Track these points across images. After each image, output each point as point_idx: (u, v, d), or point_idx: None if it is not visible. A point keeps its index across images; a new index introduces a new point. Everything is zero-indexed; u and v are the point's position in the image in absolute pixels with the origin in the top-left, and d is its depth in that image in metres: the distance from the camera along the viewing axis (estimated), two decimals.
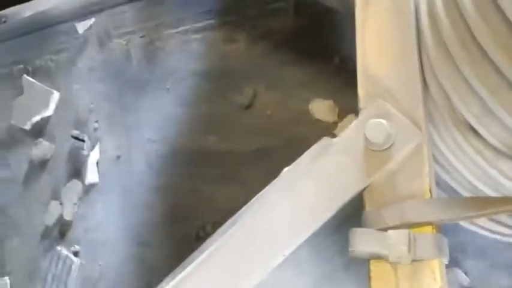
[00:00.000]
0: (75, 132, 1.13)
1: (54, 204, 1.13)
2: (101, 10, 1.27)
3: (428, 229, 0.41)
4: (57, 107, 1.20)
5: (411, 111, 0.47)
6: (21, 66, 1.33)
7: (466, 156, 0.49)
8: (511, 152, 0.44)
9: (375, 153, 0.46)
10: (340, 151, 0.48)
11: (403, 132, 0.46)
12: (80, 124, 1.15)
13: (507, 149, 0.45)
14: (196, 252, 0.51)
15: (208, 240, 0.52)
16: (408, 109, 0.47)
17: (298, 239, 0.47)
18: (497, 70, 0.42)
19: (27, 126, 1.21)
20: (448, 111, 0.48)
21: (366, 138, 0.46)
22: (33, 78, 1.26)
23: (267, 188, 0.51)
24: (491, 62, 0.42)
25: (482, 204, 0.40)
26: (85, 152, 1.11)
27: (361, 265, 0.44)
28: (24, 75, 1.25)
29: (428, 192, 0.43)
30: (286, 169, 0.52)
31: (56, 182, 1.15)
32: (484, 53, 0.43)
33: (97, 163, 1.09)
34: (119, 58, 1.16)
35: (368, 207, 0.45)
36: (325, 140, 0.49)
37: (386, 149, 0.46)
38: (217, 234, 0.51)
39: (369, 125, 0.46)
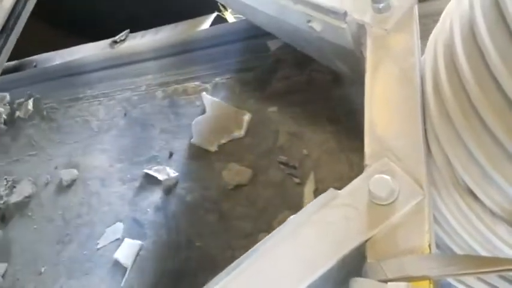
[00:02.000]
0: (283, 158, 1.01)
1: None
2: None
3: (425, 283, 0.43)
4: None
5: (414, 171, 0.50)
6: None
7: (464, 219, 0.51)
8: (508, 216, 0.47)
9: (378, 207, 0.48)
10: (344, 203, 0.50)
11: (406, 189, 0.48)
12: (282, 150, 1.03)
13: (504, 214, 0.47)
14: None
15: (212, 281, 0.52)
16: (411, 169, 0.50)
17: (297, 286, 0.48)
18: (496, 140, 0.46)
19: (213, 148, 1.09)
20: (449, 174, 0.51)
21: (370, 192, 0.49)
22: None
23: (272, 233, 0.53)
24: (491, 132, 0.46)
25: (478, 263, 0.42)
26: (297, 181, 0.98)
27: None
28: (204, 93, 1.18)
29: (428, 248, 0.45)
30: (292, 217, 0.54)
31: None
32: (484, 124, 0.46)
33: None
34: None
35: (369, 259, 0.46)
36: (330, 192, 0.52)
37: (389, 203, 0.48)
38: (219, 277, 0.52)
39: (373, 180, 0.49)
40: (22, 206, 1.28)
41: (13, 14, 1.49)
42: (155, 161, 1.16)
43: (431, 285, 0.43)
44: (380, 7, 0.65)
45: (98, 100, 1.36)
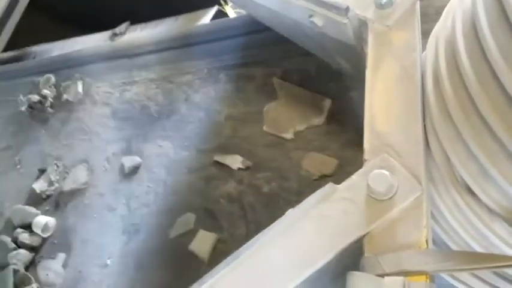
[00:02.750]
0: None
1: None
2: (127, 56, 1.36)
3: (422, 278, 0.43)
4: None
5: (413, 166, 0.50)
6: None
7: (461, 215, 0.51)
8: (505, 214, 0.47)
9: (377, 202, 0.49)
10: (343, 197, 0.51)
11: (405, 184, 0.49)
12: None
13: (502, 212, 0.47)
14: (195, 285, 0.52)
15: (210, 273, 0.53)
16: (410, 164, 0.50)
17: (295, 279, 0.48)
18: (495, 137, 0.46)
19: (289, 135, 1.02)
20: (447, 171, 0.51)
21: (368, 187, 0.49)
22: None
23: (270, 226, 0.53)
24: (490, 129, 0.46)
25: (474, 259, 0.42)
26: None
27: None
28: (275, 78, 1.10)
29: (425, 243, 0.45)
30: (290, 210, 0.54)
31: None
32: (484, 121, 0.47)
33: None
34: None
35: (367, 253, 0.47)
36: (329, 186, 0.52)
37: (387, 199, 0.48)
38: (217, 268, 0.52)
39: (372, 175, 0.49)
40: (78, 193, 1.20)
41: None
42: (224, 149, 1.07)
43: (428, 280, 0.43)
44: (382, 3, 0.65)
45: (155, 83, 1.28)
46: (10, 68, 1.64)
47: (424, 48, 0.62)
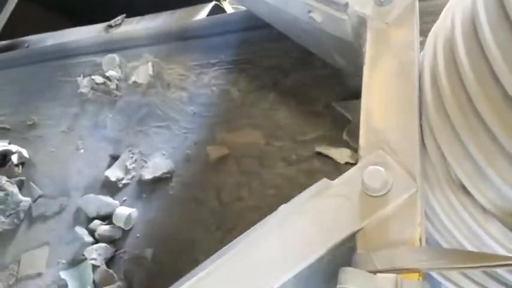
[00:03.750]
0: None
1: None
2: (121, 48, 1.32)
3: (415, 276, 0.42)
4: None
5: (408, 164, 0.50)
6: None
7: (455, 215, 0.51)
8: (500, 214, 0.47)
9: (371, 198, 0.48)
10: (337, 193, 0.50)
11: (399, 181, 0.48)
12: None
13: (496, 211, 0.47)
14: (187, 275, 0.51)
15: (200, 266, 0.52)
16: (405, 162, 0.50)
17: (286, 273, 0.47)
18: (493, 137, 0.45)
19: None
20: (442, 169, 0.51)
21: (363, 183, 0.49)
22: None
23: (263, 220, 0.52)
24: (488, 129, 0.46)
25: (468, 258, 0.42)
26: None
27: None
28: None
29: (418, 241, 0.45)
30: (283, 205, 0.53)
31: None
32: (482, 120, 0.46)
33: None
34: None
35: (359, 250, 0.46)
36: (324, 181, 0.51)
37: (382, 195, 0.48)
38: (209, 261, 0.52)
39: (367, 171, 0.49)
40: (160, 183, 1.06)
41: None
42: (326, 140, 0.95)
43: (421, 278, 0.43)
44: (382, 0, 0.64)
45: (238, 67, 1.14)
46: (61, 47, 1.49)
47: (422, 46, 0.62)
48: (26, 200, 1.15)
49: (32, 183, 1.19)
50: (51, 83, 1.41)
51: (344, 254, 0.48)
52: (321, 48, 0.90)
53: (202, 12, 1.49)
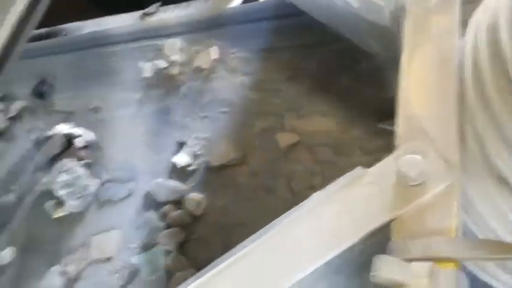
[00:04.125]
0: None
1: None
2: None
3: (450, 265, 0.42)
4: None
5: (446, 153, 0.49)
6: None
7: (494, 207, 0.50)
8: None
9: (407, 187, 0.48)
10: (372, 181, 0.50)
11: (437, 170, 0.48)
12: None
13: None
14: (224, 257, 0.53)
15: (231, 251, 0.53)
16: (443, 150, 0.49)
17: (317, 260, 0.48)
18: None
19: None
20: (481, 159, 0.50)
21: (399, 172, 0.48)
22: None
23: (294, 208, 0.53)
24: None
25: (505, 248, 0.41)
26: None
27: None
28: None
29: (455, 231, 0.44)
30: (316, 193, 0.53)
31: None
32: None
33: None
34: None
35: (394, 238, 0.46)
36: (358, 169, 0.51)
37: (418, 184, 0.47)
38: (242, 245, 0.53)
39: (404, 159, 0.48)
40: (228, 170, 1.03)
41: None
42: None
43: (456, 267, 0.42)
44: None
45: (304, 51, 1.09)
46: (125, 30, 1.44)
47: (463, 33, 0.60)
48: (93, 184, 1.12)
49: (99, 167, 1.17)
50: (110, 69, 1.36)
51: (377, 244, 0.48)
52: (357, 34, 0.89)
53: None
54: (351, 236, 0.47)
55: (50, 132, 1.27)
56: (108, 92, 1.33)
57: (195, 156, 1.07)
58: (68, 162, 1.14)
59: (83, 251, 1.06)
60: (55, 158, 1.21)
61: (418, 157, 0.48)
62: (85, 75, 1.40)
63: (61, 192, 1.10)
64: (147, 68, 1.27)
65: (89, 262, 1.04)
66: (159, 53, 1.28)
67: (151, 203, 1.05)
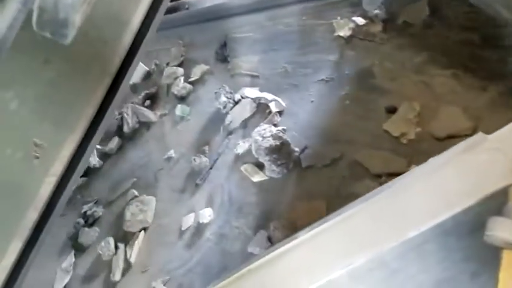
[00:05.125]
0: None
1: None
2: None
3: None
4: None
5: None
6: None
7: None
8: None
9: None
10: (492, 147, 0.51)
11: None
12: None
13: None
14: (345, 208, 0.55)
15: (356, 201, 0.56)
16: None
17: (431, 221, 0.50)
18: None
19: None
20: None
21: None
22: None
23: (412, 169, 0.54)
24: None
25: None
26: None
27: (490, 278, 0.46)
28: None
29: None
30: (432, 158, 0.55)
31: None
32: None
33: None
34: None
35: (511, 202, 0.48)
36: (479, 135, 0.53)
37: None
38: (363, 199, 0.56)
39: None
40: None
41: None
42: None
43: None
44: None
45: None
46: None
47: None
48: (296, 150, 1.07)
49: (295, 133, 1.12)
50: (299, 29, 1.27)
51: (493, 206, 0.49)
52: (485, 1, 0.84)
53: None
54: (467, 198, 0.50)
55: (238, 96, 1.25)
56: (299, 55, 1.23)
57: (411, 124, 0.93)
58: (268, 128, 1.08)
59: (291, 218, 0.99)
60: (245, 122, 1.20)
61: None
62: (272, 38, 1.31)
63: (265, 158, 1.05)
64: (343, 26, 1.14)
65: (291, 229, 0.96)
66: (356, 9, 1.15)
67: (359, 173, 0.96)
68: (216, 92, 1.28)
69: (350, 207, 0.55)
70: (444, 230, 0.51)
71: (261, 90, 1.23)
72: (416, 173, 0.54)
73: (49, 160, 0.74)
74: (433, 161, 0.54)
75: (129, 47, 0.77)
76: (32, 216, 0.76)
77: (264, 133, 1.06)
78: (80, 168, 0.79)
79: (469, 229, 0.51)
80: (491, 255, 0.48)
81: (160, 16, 0.76)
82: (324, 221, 0.55)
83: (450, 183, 0.51)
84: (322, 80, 1.14)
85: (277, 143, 1.03)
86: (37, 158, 0.73)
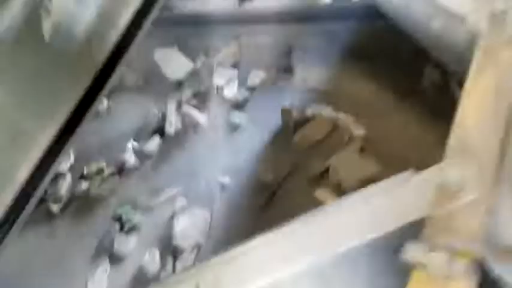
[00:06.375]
0: None
1: None
2: None
3: (467, 258, 0.53)
4: None
5: (485, 169, 0.59)
6: None
7: None
8: None
9: (445, 192, 0.59)
10: (417, 184, 0.61)
11: (474, 182, 0.58)
12: None
13: None
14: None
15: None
16: (484, 167, 0.59)
17: (360, 238, 0.60)
18: None
19: None
20: None
21: (442, 179, 0.59)
22: None
23: (343, 198, 0.66)
24: None
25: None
26: None
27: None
28: None
29: (478, 235, 0.55)
30: (370, 186, 0.65)
31: None
32: None
33: None
34: None
35: (426, 230, 0.58)
36: (409, 173, 0.63)
37: (455, 191, 0.58)
38: (295, 222, 0.66)
39: (447, 168, 0.59)
40: None
41: None
42: None
43: (471, 261, 0.53)
44: (498, 16, 0.70)
45: None
46: None
47: None
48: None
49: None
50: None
51: (412, 233, 0.59)
52: (437, 52, 0.95)
53: None
54: (392, 223, 0.60)
55: (309, 112, 1.14)
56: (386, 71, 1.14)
57: None
58: (350, 154, 1.00)
59: None
60: (315, 144, 1.09)
61: (461, 168, 0.59)
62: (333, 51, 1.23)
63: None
64: None
65: None
66: None
67: None
68: (283, 107, 1.14)
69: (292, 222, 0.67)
70: (372, 248, 0.62)
71: (334, 109, 1.14)
72: (349, 200, 0.65)
73: (28, 146, 0.74)
74: (369, 189, 0.64)
75: (115, 46, 0.78)
76: (5, 201, 0.75)
77: (347, 162, 1.00)
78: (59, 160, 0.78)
79: (392, 249, 0.61)
80: (407, 274, 0.58)
81: (152, 16, 0.78)
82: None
83: (379, 210, 0.62)
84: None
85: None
86: (16, 144, 0.72)
